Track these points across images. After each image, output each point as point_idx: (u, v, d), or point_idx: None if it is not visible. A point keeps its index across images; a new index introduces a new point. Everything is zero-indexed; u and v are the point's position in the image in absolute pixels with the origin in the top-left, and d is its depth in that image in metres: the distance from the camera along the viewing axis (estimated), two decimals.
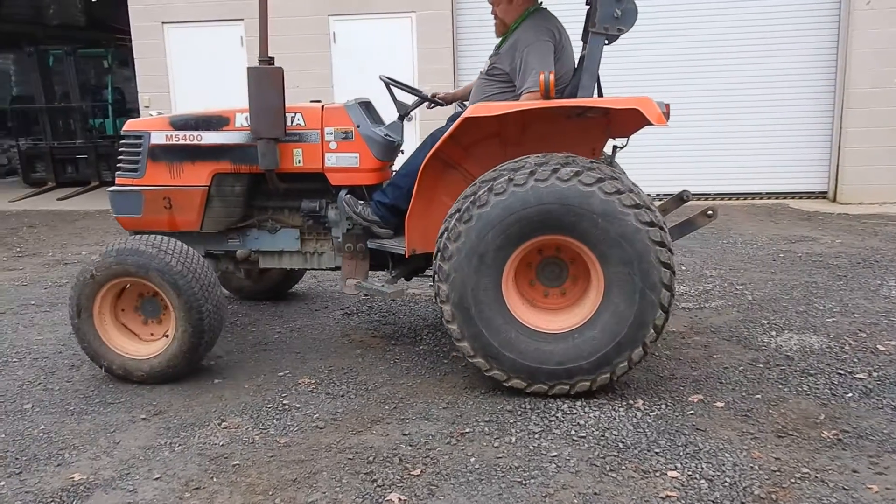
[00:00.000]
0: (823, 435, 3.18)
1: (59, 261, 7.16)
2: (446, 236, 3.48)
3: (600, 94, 3.91)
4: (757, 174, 9.64)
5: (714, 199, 9.62)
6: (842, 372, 3.85)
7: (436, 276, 3.54)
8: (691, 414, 3.41)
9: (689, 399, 3.56)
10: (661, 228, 3.35)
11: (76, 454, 3.18)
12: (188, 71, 10.13)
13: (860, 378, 3.76)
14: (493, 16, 4.14)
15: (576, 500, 2.73)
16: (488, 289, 3.48)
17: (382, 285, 4.08)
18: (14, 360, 4.39)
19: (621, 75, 9.08)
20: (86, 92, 13.23)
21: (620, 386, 3.72)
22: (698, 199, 9.59)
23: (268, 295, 5.49)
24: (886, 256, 6.35)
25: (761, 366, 3.97)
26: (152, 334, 3.95)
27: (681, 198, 4.21)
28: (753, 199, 9.60)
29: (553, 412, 3.45)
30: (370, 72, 9.72)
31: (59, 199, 11.53)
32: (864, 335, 4.40)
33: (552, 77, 3.53)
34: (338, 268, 4.36)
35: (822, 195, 9.56)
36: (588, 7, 4.15)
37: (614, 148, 4.21)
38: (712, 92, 9.41)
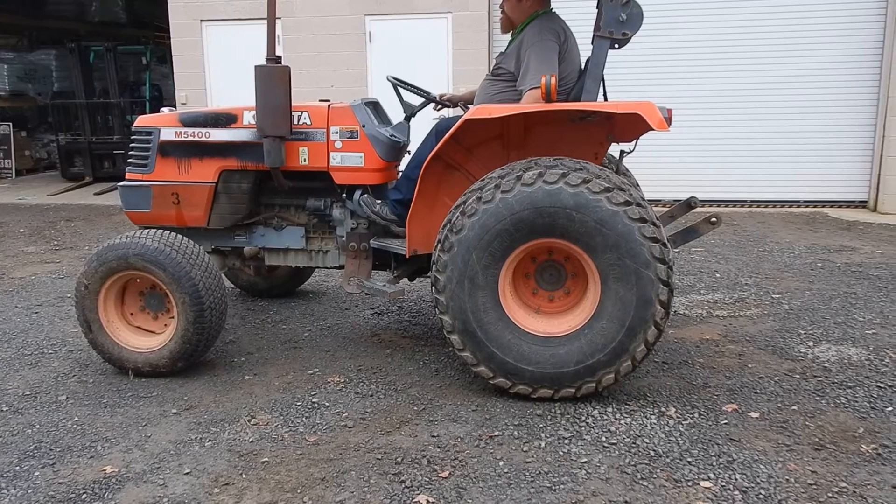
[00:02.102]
0: (862, 449, 3.09)
1: None
2: (435, 269, 3.52)
3: (605, 99, 3.87)
4: (796, 182, 9.46)
5: (751, 206, 9.46)
6: (882, 385, 3.75)
7: (437, 307, 3.56)
8: (725, 424, 3.34)
9: (723, 408, 3.49)
10: (639, 205, 3.32)
11: (108, 447, 3.22)
12: (225, 68, 10.24)
13: None
14: (501, 11, 4.14)
15: None
16: (488, 308, 3.47)
17: (384, 285, 4.09)
18: (50, 351, 4.47)
19: (654, 80, 9.00)
20: (124, 88, 13.43)
21: (652, 393, 3.67)
22: (733, 207, 9.45)
23: (277, 292, 5.52)
24: None
25: (798, 377, 3.89)
26: (166, 325, 3.99)
27: (689, 204, 4.18)
28: (791, 207, 9.42)
29: (584, 418, 3.41)
30: (406, 72, 9.79)
31: (96, 194, 11.73)
32: None
33: (554, 80, 3.49)
34: (342, 266, 4.38)
35: (862, 204, 9.34)
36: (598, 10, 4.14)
37: (622, 153, 4.18)
38: (751, 97, 9.26)
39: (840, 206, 9.32)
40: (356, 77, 9.76)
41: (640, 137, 3.90)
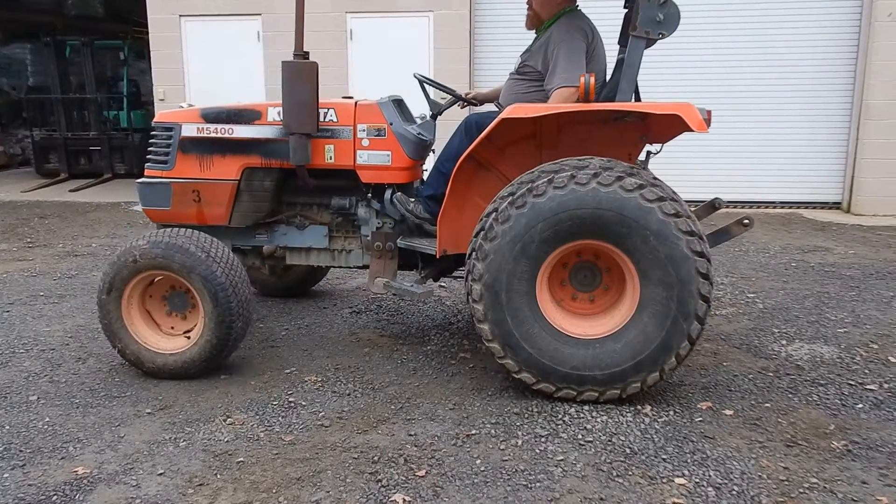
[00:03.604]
0: (833, 445, 3.14)
1: (69, 252, 7.20)
2: (494, 216, 3.43)
3: (638, 99, 3.85)
4: (771, 183, 9.57)
5: (728, 206, 9.54)
6: (852, 383, 3.81)
7: (473, 254, 3.49)
8: (700, 421, 3.37)
9: (698, 406, 3.52)
10: (708, 261, 3.31)
11: (80, 447, 3.18)
12: (204, 65, 10.15)
13: (871, 389, 3.72)
14: (527, 6, 4.11)
15: None
16: (523, 279, 3.43)
17: (411, 285, 4.03)
18: (21, 351, 4.40)
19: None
20: (101, 84, 13.26)
21: None
22: None
23: (291, 292, 5.46)
24: None
25: (771, 374, 3.94)
26: (172, 328, 3.94)
27: (713, 205, 4.14)
28: (767, 207, 9.53)
29: (560, 416, 3.42)
30: (387, 70, 9.82)
31: (71, 191, 11.58)
32: (876, 346, 4.36)
33: (592, 79, 3.47)
34: (365, 266, 4.34)
35: (836, 206, 9.48)
36: (626, 10, 4.13)
37: (648, 154, 4.13)
38: (728, 100, 9.34)
39: (815, 208, 9.45)
40: (337, 75, 9.72)
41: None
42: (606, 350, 3.43)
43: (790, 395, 3.66)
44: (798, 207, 9.45)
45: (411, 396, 3.67)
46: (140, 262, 3.72)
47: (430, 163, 4.38)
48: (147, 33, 10.34)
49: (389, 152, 4.04)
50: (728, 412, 3.46)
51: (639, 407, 3.50)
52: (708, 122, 3.48)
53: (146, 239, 3.76)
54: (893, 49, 8.77)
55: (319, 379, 3.90)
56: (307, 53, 3.86)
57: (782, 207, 9.47)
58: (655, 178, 3.43)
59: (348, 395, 3.70)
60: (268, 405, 3.58)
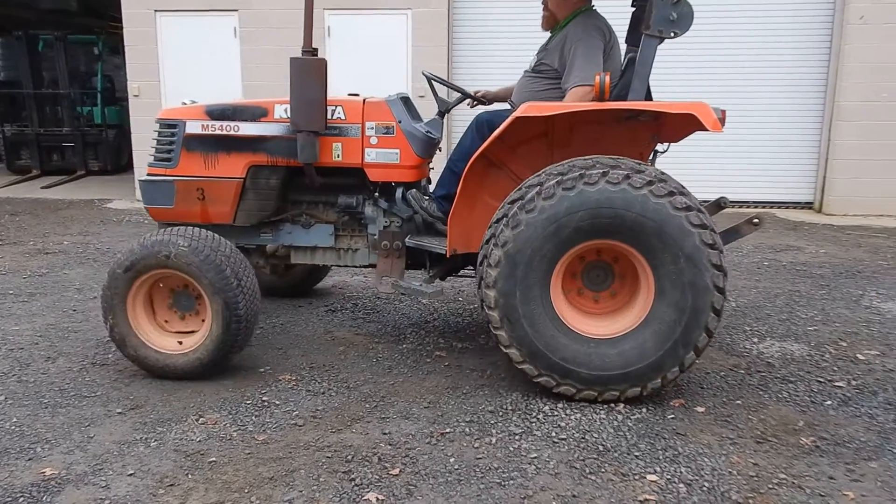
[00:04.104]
0: (802, 441, 3.19)
1: (40, 250, 7.08)
2: (504, 222, 3.41)
3: (649, 98, 3.86)
4: (745, 183, 9.67)
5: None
6: (821, 380, 3.87)
7: (485, 261, 3.48)
8: (672, 418, 3.41)
9: (671, 403, 3.56)
10: (721, 252, 3.33)
11: (48, 448, 3.13)
12: (179, 61, 10.03)
13: (839, 386, 3.78)
14: (543, 7, 4.11)
15: (554, 502, 2.72)
16: (536, 283, 3.42)
17: (420, 285, 4.01)
18: None
19: None
20: (75, 79, 13.07)
21: None
22: None
23: (291, 291, 5.40)
24: (869, 267, 6.39)
25: (742, 372, 3.98)
26: (167, 321, 3.87)
27: (718, 204, 4.15)
28: (741, 207, 9.64)
29: (534, 413, 3.44)
30: (365, 67, 9.78)
31: (43, 188, 11.40)
32: (845, 344, 4.43)
33: (608, 78, 3.47)
34: (371, 265, 4.32)
35: (808, 206, 9.61)
36: (633, 9, 4.15)
37: (655, 153, 4.15)
38: (702, 100, 9.43)
39: (788, 207, 9.58)
40: None
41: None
42: (631, 344, 3.44)
43: (761, 392, 3.71)
44: (771, 207, 9.57)
45: (386, 395, 3.67)
46: (172, 261, 3.65)
47: (436, 161, 4.38)
48: (121, 28, 10.21)
49: (398, 150, 4.02)
50: (700, 409, 3.50)
51: (612, 404, 3.52)
52: (722, 121, 3.50)
53: (187, 241, 3.66)
54: (865, 51, 8.91)
55: (294, 378, 3.88)
56: (315, 50, 3.81)
57: (756, 207, 9.58)
58: (662, 173, 3.41)
59: (323, 393, 3.69)
60: (241, 404, 3.55)
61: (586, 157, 3.44)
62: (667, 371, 3.41)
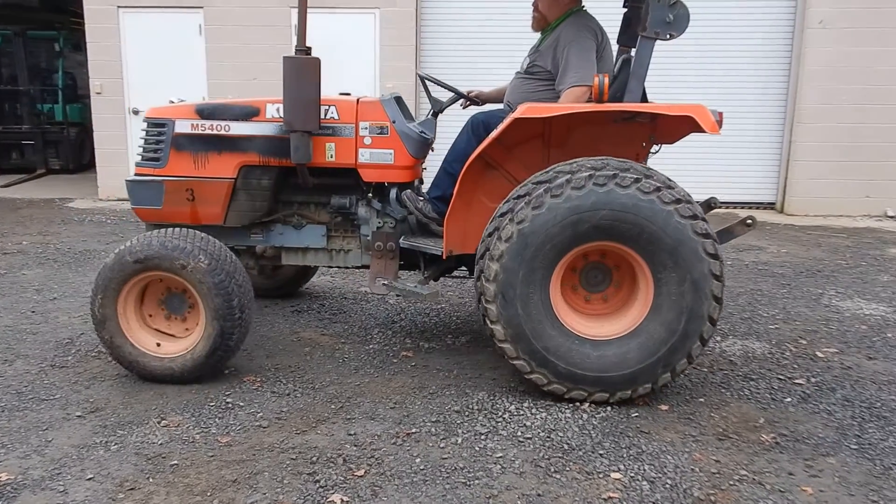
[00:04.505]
0: (762, 438, 3.24)
1: None
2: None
3: (645, 99, 3.88)
4: (709, 184, 9.77)
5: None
6: (782, 377, 3.94)
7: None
8: (636, 416, 3.44)
9: (635, 402, 3.59)
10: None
11: (4, 453, 3.05)
12: (143, 58, 9.85)
13: (799, 383, 3.85)
14: (533, 9, 4.10)
15: (519, 502, 2.73)
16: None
17: (416, 286, 3.99)
18: None
19: None
20: (35, 76, 12.78)
21: None
22: None
23: (279, 292, 5.33)
24: (828, 267, 6.54)
25: (705, 370, 4.04)
26: (151, 315, 3.79)
27: (709, 204, 4.19)
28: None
29: (500, 413, 3.45)
30: (332, 66, 9.67)
31: (2, 186, 11.11)
32: (805, 342, 4.52)
33: (606, 79, 3.47)
34: (364, 266, 4.28)
35: (770, 206, 9.78)
36: (626, 10, 4.17)
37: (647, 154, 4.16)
38: (666, 101, 9.55)
39: (751, 208, 9.74)
40: (280, 70, 9.55)
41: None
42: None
43: (723, 390, 3.77)
44: (735, 207, 9.72)
45: (352, 396, 3.65)
46: (186, 272, 3.57)
47: (428, 161, 4.35)
48: (83, 24, 10.00)
49: (392, 151, 3.99)
50: (663, 407, 3.54)
51: (577, 403, 3.54)
52: (720, 123, 3.53)
53: (208, 259, 3.57)
54: (824, 55, 9.10)
55: (258, 379, 3.84)
56: (310, 49, 3.76)
57: (719, 207, 9.72)
58: (669, 179, 3.46)
59: (288, 395, 3.65)
60: (204, 406, 3.50)
61: (622, 160, 3.47)
62: (639, 385, 3.46)
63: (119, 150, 9.99)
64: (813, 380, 3.91)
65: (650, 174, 3.38)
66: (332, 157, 3.99)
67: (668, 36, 3.51)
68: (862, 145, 9.17)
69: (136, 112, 9.93)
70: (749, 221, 3.89)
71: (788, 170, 9.46)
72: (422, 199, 4.07)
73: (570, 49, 3.77)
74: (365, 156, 4.00)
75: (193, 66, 9.79)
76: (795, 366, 4.12)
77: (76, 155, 12.54)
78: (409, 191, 4.06)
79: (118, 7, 9.74)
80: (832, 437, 3.26)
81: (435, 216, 3.99)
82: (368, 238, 4.18)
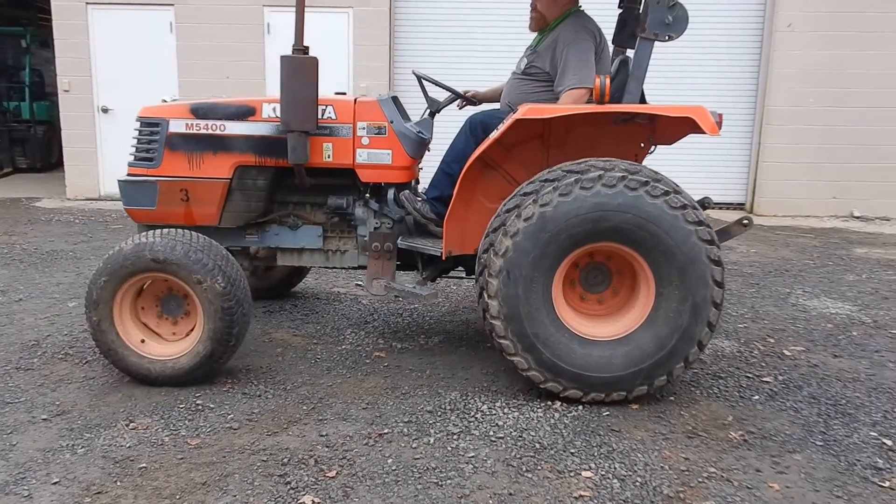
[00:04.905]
0: (731, 436, 3.28)
1: None
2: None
3: (643, 100, 3.88)
4: (679, 183, 9.92)
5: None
6: (750, 375, 4.00)
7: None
8: (607, 415, 3.47)
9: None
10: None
11: None
12: (112, 56, 9.71)
13: (767, 381, 3.91)
14: (531, 9, 4.09)
15: (491, 501, 2.73)
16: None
17: (414, 287, 3.97)
18: None
19: None
20: (1, 73, 12.55)
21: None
22: None
23: (270, 293, 5.27)
24: (796, 266, 6.65)
25: None
26: (143, 308, 3.73)
27: (703, 204, 4.21)
28: None
29: (473, 413, 3.46)
30: None
31: None
32: (773, 340, 4.59)
33: (608, 80, 3.48)
34: (361, 267, 4.25)
35: (740, 206, 9.92)
36: (620, 11, 4.20)
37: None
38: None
39: (721, 208, 9.87)
40: (253, 69, 9.50)
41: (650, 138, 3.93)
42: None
43: (692, 388, 3.81)
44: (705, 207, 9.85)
45: (324, 396, 3.63)
46: (199, 287, 3.53)
47: (424, 162, 4.33)
48: (51, 20, 9.83)
49: (390, 151, 3.97)
50: (634, 406, 3.57)
51: (549, 402, 3.56)
52: (719, 125, 3.56)
53: (224, 281, 3.53)
54: (793, 58, 9.25)
55: (229, 380, 3.80)
56: (307, 48, 3.73)
57: (713, 208, 9.82)
58: (677, 186, 3.47)
59: (259, 396, 3.62)
60: (174, 408, 3.46)
61: (634, 163, 3.49)
62: (615, 391, 3.49)
63: (88, 148, 9.85)
64: (780, 378, 3.98)
65: (679, 190, 3.41)
66: (329, 157, 3.97)
67: (666, 37, 3.53)
68: (829, 147, 9.34)
69: (105, 110, 9.80)
70: (745, 222, 3.90)
71: (758, 171, 9.61)
72: (420, 199, 4.06)
73: (568, 51, 3.78)
74: (363, 156, 3.98)
75: (164, 65, 9.68)
76: (763, 364, 4.18)
77: (44, 153, 12.33)
78: (407, 191, 4.05)
79: (87, 3, 9.60)
80: (798, 434, 3.32)
81: (433, 217, 3.98)
82: (366, 239, 4.15)
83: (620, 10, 4.28)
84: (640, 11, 3.69)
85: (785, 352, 4.39)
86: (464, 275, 4.38)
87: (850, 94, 9.25)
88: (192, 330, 3.70)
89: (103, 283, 3.56)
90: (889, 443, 3.22)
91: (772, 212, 9.50)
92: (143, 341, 3.67)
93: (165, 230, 3.66)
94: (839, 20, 9.15)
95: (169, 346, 3.70)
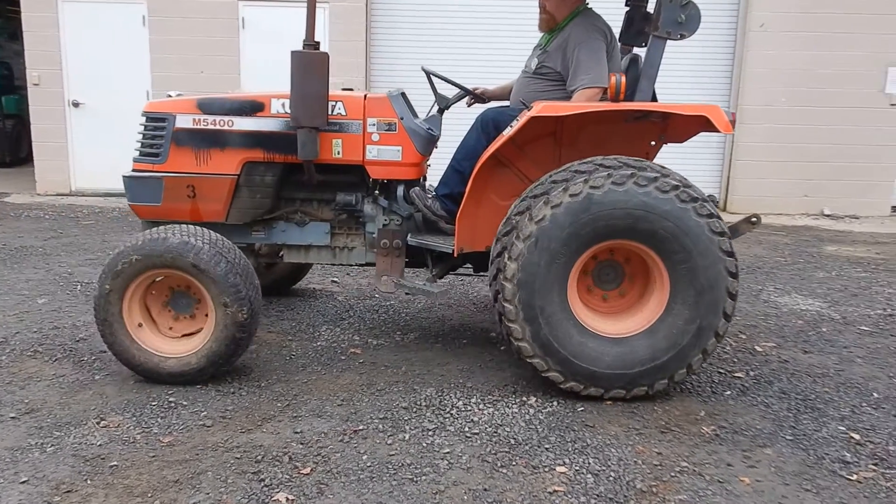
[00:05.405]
0: (703, 430, 3.32)
1: None
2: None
3: (654, 99, 3.88)
4: None
5: None
6: (722, 371, 4.05)
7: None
8: (581, 411, 3.49)
9: (580, 396, 3.63)
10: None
11: None
12: (84, 49, 9.55)
13: (738, 377, 3.96)
14: (540, 9, 4.07)
15: (465, 497, 2.74)
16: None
17: (425, 284, 3.95)
18: None
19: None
20: None
21: (514, 383, 3.77)
22: None
23: (271, 291, 5.19)
24: (768, 264, 6.74)
25: None
26: (153, 292, 3.68)
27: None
28: None
29: (448, 409, 3.46)
30: (280, 59, 9.52)
31: None
32: (744, 336, 4.65)
33: (623, 79, 3.48)
34: (368, 264, 4.23)
35: (714, 204, 10.01)
36: (627, 10, 4.21)
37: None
38: None
39: None
40: (228, 63, 9.40)
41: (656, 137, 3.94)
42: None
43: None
44: None
45: (299, 393, 3.61)
46: (224, 313, 3.51)
47: (432, 159, 4.31)
48: (20, 12, 9.64)
49: (400, 148, 3.95)
50: (608, 402, 3.59)
51: (524, 398, 3.58)
52: (733, 123, 3.58)
53: (246, 314, 3.52)
54: (765, 58, 9.38)
55: None
56: (318, 43, 3.68)
57: (717, 204, 9.95)
58: (684, 179, 3.49)
59: (233, 393, 3.59)
60: (146, 406, 3.42)
61: (653, 163, 3.50)
62: (591, 385, 3.51)
63: (58, 143, 9.69)
64: (752, 373, 4.03)
65: (716, 215, 3.45)
66: (338, 153, 3.94)
67: (679, 36, 3.55)
68: (801, 146, 9.48)
69: (75, 104, 9.64)
70: (754, 220, 3.91)
71: (731, 169, 9.73)
72: (430, 196, 4.04)
73: (580, 50, 3.78)
74: (372, 152, 3.96)
75: (137, 59, 9.54)
76: (735, 360, 4.23)
77: (13, 148, 12.12)
78: (417, 188, 4.04)
79: None
80: (769, 428, 3.36)
81: (444, 214, 3.97)
82: (374, 235, 4.13)
83: (627, 9, 4.29)
84: (652, 10, 3.70)
85: (756, 348, 4.45)
86: (472, 272, 4.40)
87: (822, 94, 9.39)
88: (191, 334, 3.67)
89: (134, 261, 3.49)
90: (857, 437, 3.28)
91: (745, 210, 9.59)
92: (140, 325, 3.62)
93: (212, 237, 3.59)
94: (811, 21, 9.28)
95: (162, 340, 3.65)
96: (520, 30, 9.30)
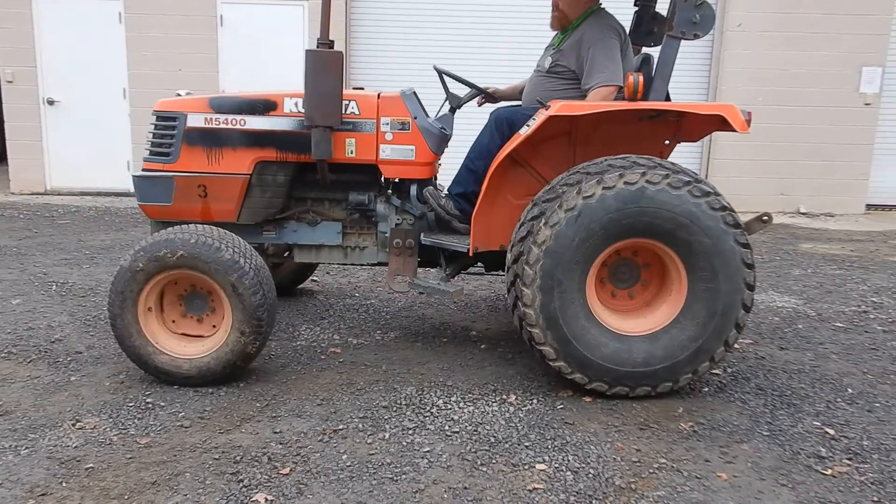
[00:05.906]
0: (681, 427, 3.35)
1: None
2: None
3: (668, 98, 3.88)
4: None
5: None
6: None
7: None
8: (561, 408, 3.50)
9: (560, 394, 3.66)
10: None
11: None
12: (59, 46, 9.43)
13: (716, 373, 4.00)
14: (553, 8, 4.07)
15: (446, 495, 2.74)
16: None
17: (439, 283, 3.93)
18: None
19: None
20: None
21: (494, 382, 3.78)
22: None
23: (279, 290, 5.15)
24: None
25: None
26: (175, 282, 3.63)
27: None
28: None
29: (428, 408, 3.46)
30: (259, 58, 9.52)
31: None
32: None
33: (641, 78, 3.48)
34: (380, 264, 4.21)
35: None
36: (637, 9, 4.22)
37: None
38: None
39: None
40: (206, 61, 9.32)
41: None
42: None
43: None
44: None
45: (278, 393, 3.59)
46: (244, 337, 3.52)
47: (443, 158, 4.30)
48: None
49: (413, 147, 3.93)
50: (587, 399, 3.61)
51: (504, 397, 3.59)
52: (749, 122, 3.60)
53: (257, 343, 3.56)
54: (743, 57, 9.48)
55: None
56: (332, 42, 3.66)
57: None
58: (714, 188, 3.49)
59: (211, 393, 3.56)
60: (123, 407, 3.38)
61: (707, 181, 3.52)
62: (586, 374, 3.52)
63: (33, 141, 9.56)
64: (729, 370, 4.07)
65: (751, 246, 3.49)
66: (352, 152, 3.92)
67: (693, 36, 3.58)
68: (777, 145, 9.60)
69: (50, 102, 9.52)
70: (765, 218, 3.90)
71: (709, 168, 9.82)
72: (443, 195, 4.03)
73: (595, 49, 3.79)
74: (386, 152, 3.94)
75: (113, 56, 9.44)
76: None
77: None
78: (430, 187, 4.02)
79: None
80: (746, 424, 3.40)
81: (457, 213, 3.96)
82: (386, 235, 4.11)
83: (636, 9, 4.31)
84: (661, 10, 3.73)
85: (735, 345, 4.48)
86: (484, 271, 4.40)
87: (798, 94, 9.52)
88: (196, 338, 3.64)
89: (178, 256, 3.44)
90: (832, 432, 3.33)
91: None
92: (150, 309, 3.57)
93: (258, 262, 3.57)
94: (787, 21, 9.40)
95: (163, 333, 3.61)
96: (515, 28, 9.33)
